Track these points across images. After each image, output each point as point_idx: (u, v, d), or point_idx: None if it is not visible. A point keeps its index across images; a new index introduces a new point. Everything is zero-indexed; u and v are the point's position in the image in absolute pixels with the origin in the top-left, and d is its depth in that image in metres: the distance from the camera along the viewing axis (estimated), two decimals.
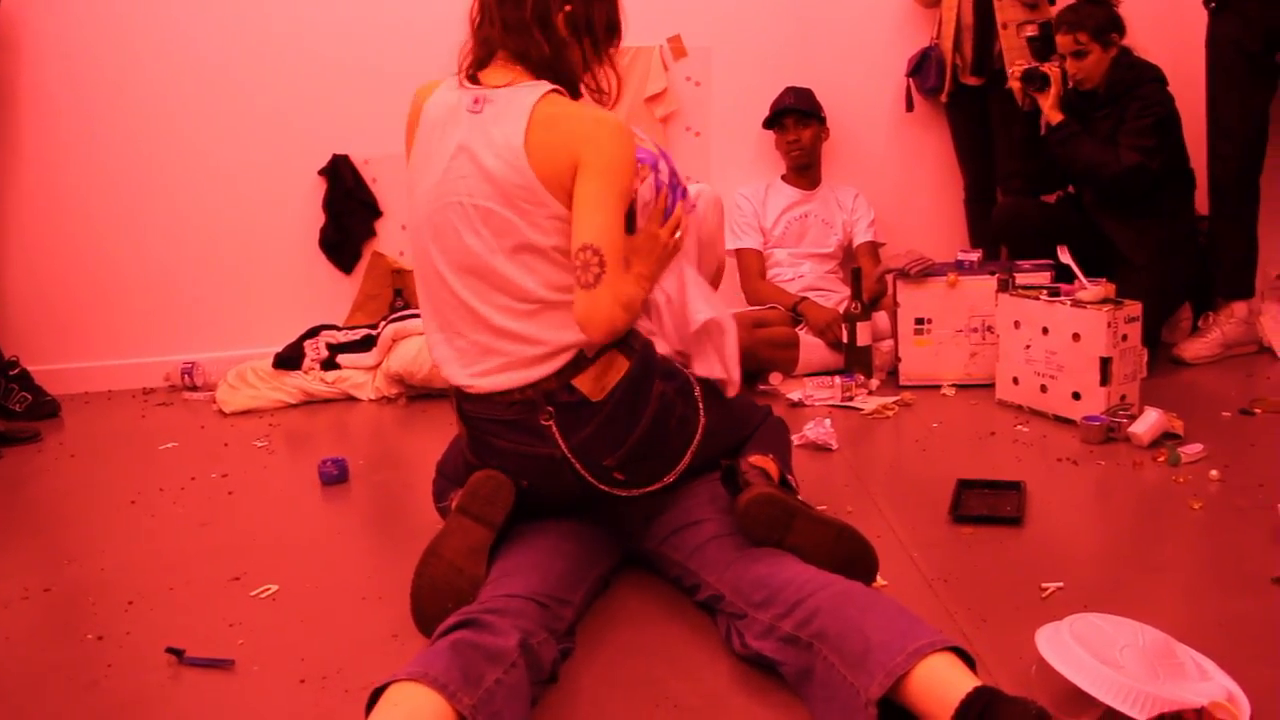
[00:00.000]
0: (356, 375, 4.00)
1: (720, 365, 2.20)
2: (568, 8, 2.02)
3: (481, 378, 2.02)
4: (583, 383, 1.98)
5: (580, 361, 1.98)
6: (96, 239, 4.43)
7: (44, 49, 4.31)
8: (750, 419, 2.33)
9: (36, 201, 4.40)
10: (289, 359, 4.05)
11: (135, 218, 4.43)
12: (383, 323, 4.05)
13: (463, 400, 2.08)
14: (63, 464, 3.42)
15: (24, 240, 4.41)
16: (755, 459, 2.06)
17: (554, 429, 1.99)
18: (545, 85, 2.00)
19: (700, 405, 2.12)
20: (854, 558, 1.93)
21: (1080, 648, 1.57)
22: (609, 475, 2.04)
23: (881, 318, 3.77)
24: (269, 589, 2.26)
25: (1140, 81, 3.58)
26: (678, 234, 2.17)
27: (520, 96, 1.98)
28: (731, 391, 2.23)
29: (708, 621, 1.95)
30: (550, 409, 1.98)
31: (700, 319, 2.15)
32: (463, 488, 2.06)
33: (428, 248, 2.05)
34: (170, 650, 1.97)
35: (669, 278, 2.17)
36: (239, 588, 2.28)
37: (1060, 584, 2.01)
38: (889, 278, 3.63)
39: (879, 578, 2.04)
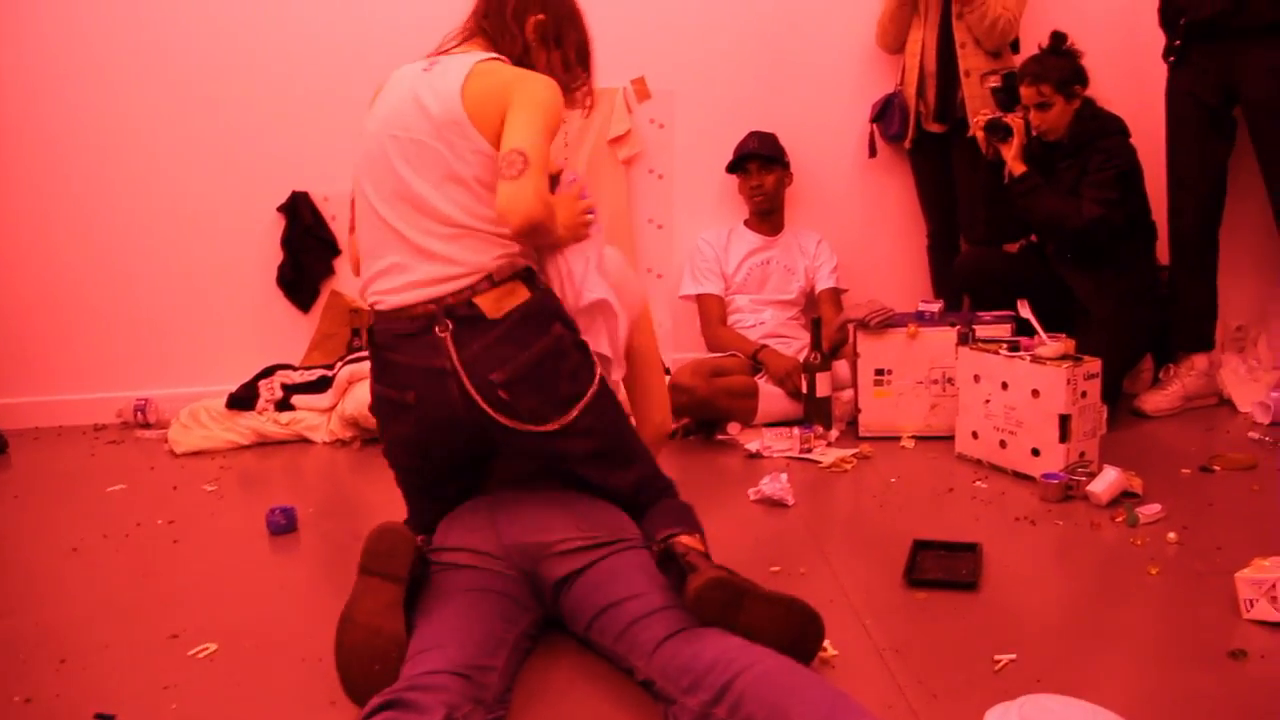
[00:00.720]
0: (311, 417, 3.94)
1: (607, 343, 2.31)
2: (541, 16, 2.29)
3: (393, 294, 2.13)
4: (483, 301, 2.08)
5: (485, 284, 2.09)
6: (52, 272, 4.39)
7: (2, 80, 4.26)
8: (648, 461, 2.32)
9: None
10: (243, 399, 3.99)
11: (91, 250, 4.40)
12: (339, 364, 3.99)
13: (374, 322, 2.18)
14: (5, 506, 3.35)
15: None
16: (685, 539, 2.03)
17: (449, 341, 2.07)
18: (495, 55, 2.21)
19: (597, 373, 2.19)
20: (804, 628, 1.90)
21: None
22: (494, 393, 2.07)
23: (842, 367, 3.75)
24: (207, 648, 2.20)
25: (1103, 133, 3.59)
26: (589, 217, 2.31)
27: (468, 57, 2.19)
28: (616, 374, 2.36)
29: (642, 694, 1.90)
30: (449, 322, 2.07)
31: (591, 296, 2.26)
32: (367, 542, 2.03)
33: (363, 177, 2.21)
34: (99, 716, 1.90)
35: (576, 258, 2.27)
36: (177, 646, 2.22)
37: (1013, 656, 1.97)
38: (849, 327, 3.61)
39: (829, 646, 2.01)
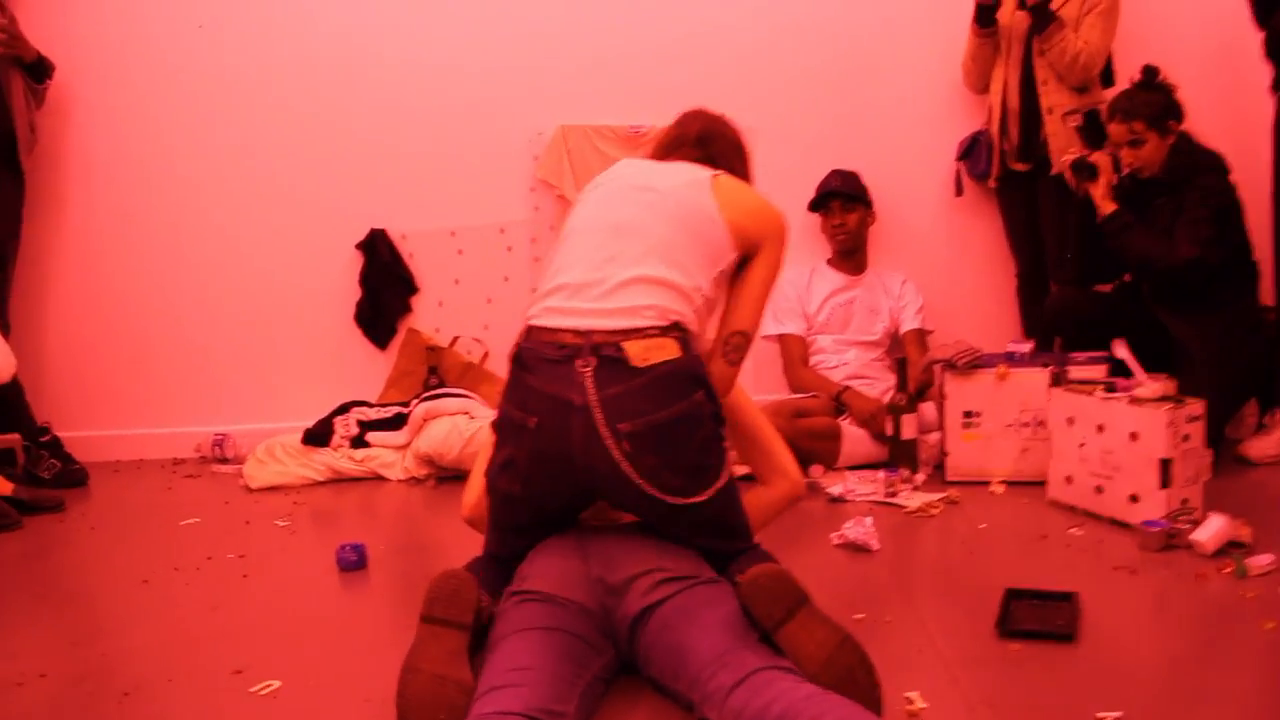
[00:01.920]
0: (385, 454, 3.93)
1: None
2: (723, 172, 2.39)
3: (549, 314, 2.13)
4: (631, 348, 2.03)
5: (639, 333, 2.06)
6: (133, 308, 4.48)
7: (90, 118, 4.39)
8: (748, 535, 2.24)
9: (75, 270, 4.46)
10: (318, 435, 3.99)
11: (172, 287, 4.48)
12: (415, 401, 3.98)
13: (523, 339, 2.15)
14: (82, 536, 3.36)
15: (61, 308, 4.46)
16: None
17: (588, 377, 2.01)
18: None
19: (729, 453, 2.15)
20: (851, 670, 1.80)
21: None
22: (619, 438, 2.00)
23: (928, 409, 3.64)
24: (270, 685, 2.14)
25: (1200, 170, 3.46)
26: None
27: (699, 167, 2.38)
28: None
29: None
30: (593, 359, 2.02)
31: None
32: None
33: (590, 217, 2.28)
34: None
35: None
36: (240, 682, 2.16)
37: (1119, 714, 1.84)
38: (936, 368, 3.50)
39: (917, 699, 1.90)
